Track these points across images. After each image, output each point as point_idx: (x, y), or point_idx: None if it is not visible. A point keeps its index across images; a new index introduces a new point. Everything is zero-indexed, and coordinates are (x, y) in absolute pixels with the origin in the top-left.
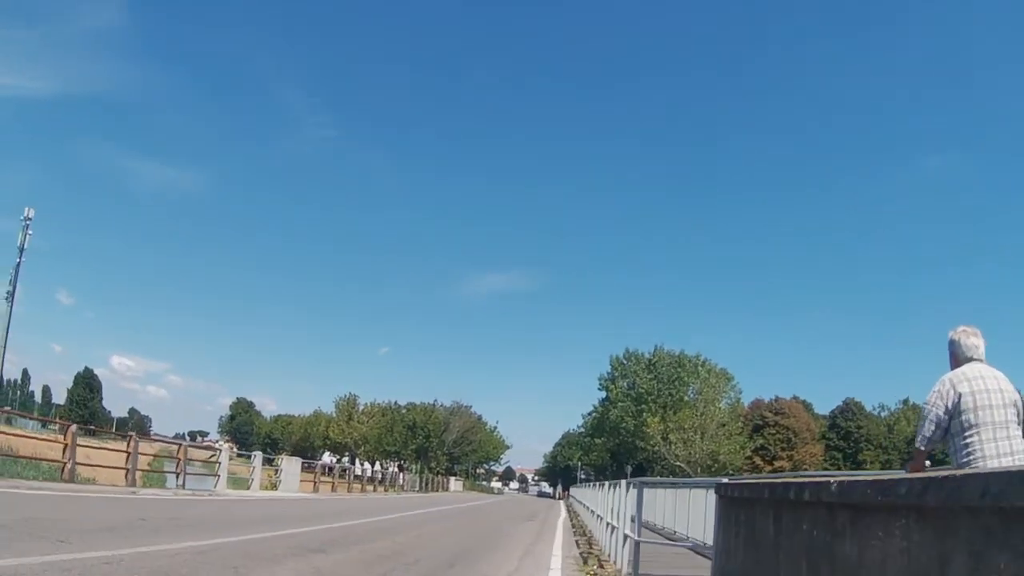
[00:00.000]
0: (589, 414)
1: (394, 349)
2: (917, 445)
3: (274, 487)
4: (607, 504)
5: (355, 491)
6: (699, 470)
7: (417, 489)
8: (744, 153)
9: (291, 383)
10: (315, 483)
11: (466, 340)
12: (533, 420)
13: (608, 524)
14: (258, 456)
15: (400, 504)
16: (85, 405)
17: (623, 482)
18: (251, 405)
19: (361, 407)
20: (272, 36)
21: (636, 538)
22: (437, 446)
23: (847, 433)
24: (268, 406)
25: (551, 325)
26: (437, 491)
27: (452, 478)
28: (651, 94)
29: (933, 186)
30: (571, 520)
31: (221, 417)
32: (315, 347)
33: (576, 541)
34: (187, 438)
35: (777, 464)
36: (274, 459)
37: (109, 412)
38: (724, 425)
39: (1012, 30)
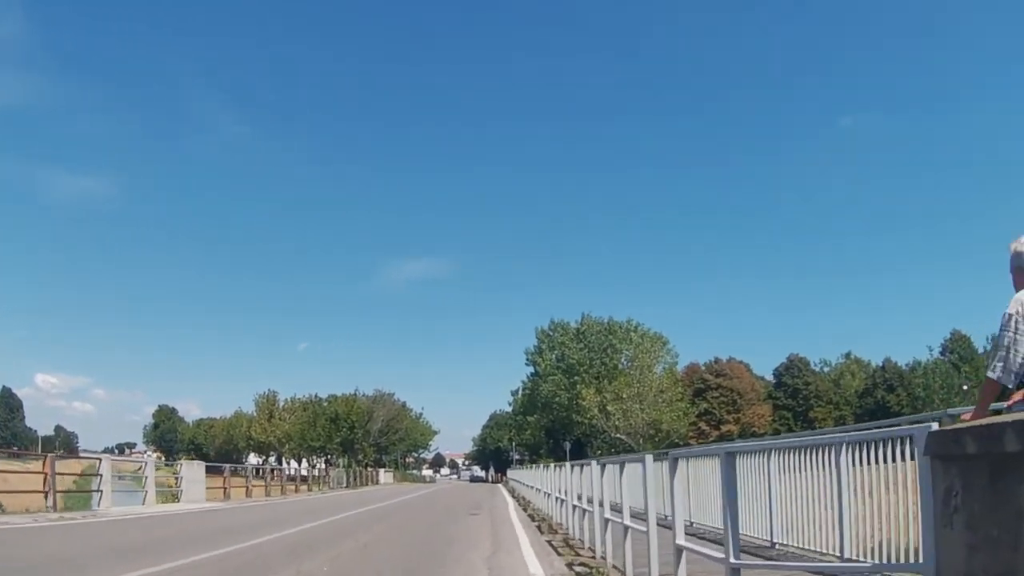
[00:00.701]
0: (517, 392)
1: (313, 344)
2: (993, 377)
3: (175, 498)
4: (571, 486)
5: (276, 493)
6: (641, 441)
7: (345, 485)
8: (657, 125)
9: (214, 385)
10: (224, 489)
11: (386, 330)
12: (460, 405)
13: (583, 510)
14: (186, 465)
15: (324, 506)
16: (6, 426)
17: (594, 462)
18: (174, 412)
19: (282, 403)
20: (178, 35)
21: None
22: (362, 437)
23: (795, 391)
24: (192, 411)
25: (472, 308)
26: (367, 485)
27: (381, 470)
28: (558, 71)
29: (850, 145)
30: (524, 509)
31: (145, 426)
32: (235, 348)
33: (550, 542)
34: (115, 451)
35: (724, 428)
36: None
37: (35, 431)
38: (664, 391)
39: None
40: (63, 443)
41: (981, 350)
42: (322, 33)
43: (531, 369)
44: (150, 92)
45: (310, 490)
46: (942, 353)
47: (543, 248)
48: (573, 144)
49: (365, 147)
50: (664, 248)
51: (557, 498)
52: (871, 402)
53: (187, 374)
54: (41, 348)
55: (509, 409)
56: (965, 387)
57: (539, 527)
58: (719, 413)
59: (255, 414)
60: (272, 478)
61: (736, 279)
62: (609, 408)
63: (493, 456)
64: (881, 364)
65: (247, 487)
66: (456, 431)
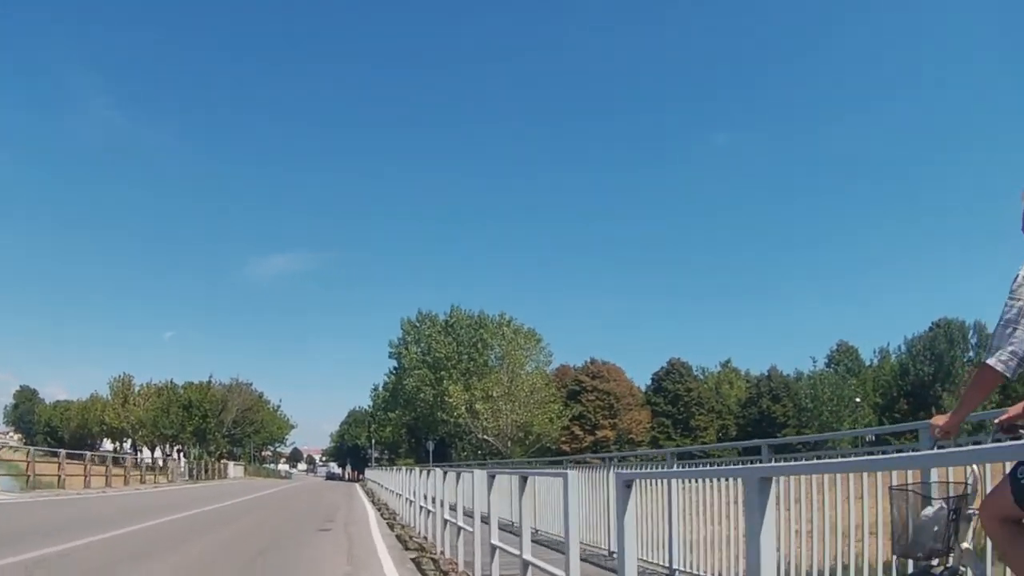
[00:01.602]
0: (377, 388)
1: (180, 332)
2: (992, 363)
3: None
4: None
5: (118, 484)
6: (509, 444)
7: (187, 477)
8: (541, 127)
9: (81, 371)
10: (59, 476)
11: (252, 322)
12: (320, 400)
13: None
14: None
15: (144, 507)
16: None
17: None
18: (35, 393)
19: (137, 389)
20: (51, 13)
21: None
22: (215, 427)
23: (675, 397)
24: (58, 395)
25: (338, 304)
26: (214, 478)
27: (231, 463)
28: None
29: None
30: (385, 520)
31: (5, 407)
32: (102, 333)
33: None
34: None
35: (600, 434)
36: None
37: None
38: (536, 391)
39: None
40: None
41: (868, 362)
42: (199, 23)
43: (395, 363)
44: (21, 69)
45: (142, 482)
46: (827, 364)
47: (413, 245)
48: (455, 141)
49: (236, 140)
50: (536, 248)
51: (423, 508)
52: (755, 412)
53: (55, 358)
54: None
55: (370, 406)
56: (858, 399)
57: (406, 545)
58: (594, 417)
59: (110, 398)
60: (114, 466)
61: (610, 284)
62: (477, 407)
63: (351, 453)
64: (766, 373)
65: (59, 474)
66: (315, 426)
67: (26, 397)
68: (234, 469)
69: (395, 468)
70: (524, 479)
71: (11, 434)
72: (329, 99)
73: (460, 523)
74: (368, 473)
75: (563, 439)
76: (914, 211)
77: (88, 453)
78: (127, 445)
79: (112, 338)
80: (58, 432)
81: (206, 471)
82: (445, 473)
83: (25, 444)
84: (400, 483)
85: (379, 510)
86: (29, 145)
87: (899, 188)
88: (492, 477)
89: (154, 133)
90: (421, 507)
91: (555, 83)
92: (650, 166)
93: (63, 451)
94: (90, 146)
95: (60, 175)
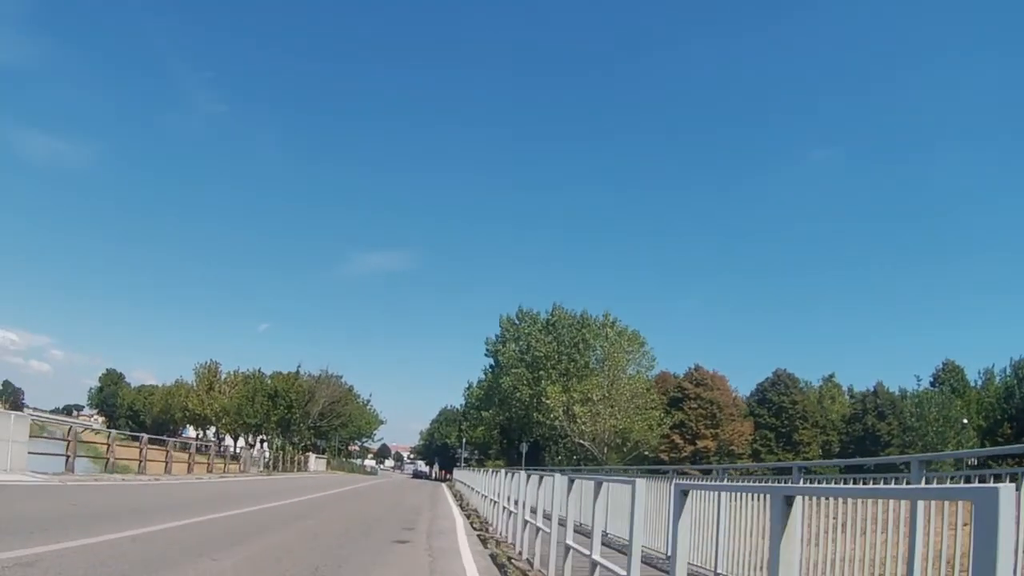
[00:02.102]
0: (471, 385)
1: (275, 326)
2: None
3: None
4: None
5: (179, 471)
6: (606, 450)
7: (261, 468)
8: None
9: (172, 359)
10: (108, 460)
11: (347, 318)
12: (412, 398)
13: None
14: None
15: (190, 500)
16: None
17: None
18: (121, 376)
19: (224, 376)
20: (164, 9)
21: None
22: (301, 418)
23: (780, 409)
24: (146, 380)
25: (434, 303)
26: (292, 471)
27: (312, 455)
28: (541, 85)
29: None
30: (476, 532)
31: (90, 389)
32: (197, 323)
33: None
34: (62, 412)
35: (700, 444)
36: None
37: None
38: (637, 396)
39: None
40: (8, 399)
41: (974, 382)
42: (308, 29)
43: (491, 361)
44: (132, 63)
45: (210, 471)
46: (932, 384)
47: (510, 244)
48: (562, 147)
49: (337, 141)
50: (640, 254)
51: (528, 522)
52: (859, 428)
53: (147, 345)
54: (4, 304)
55: (462, 405)
56: (965, 421)
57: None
58: (695, 426)
59: (195, 384)
60: (197, 454)
61: (714, 293)
62: (576, 409)
63: (439, 452)
64: (872, 389)
65: (141, 460)
66: (406, 424)
67: (112, 380)
68: (315, 462)
69: (485, 469)
70: (599, 485)
71: (95, 417)
72: (431, 102)
73: (539, 524)
74: (457, 473)
75: (662, 447)
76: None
77: (170, 439)
78: (211, 433)
79: (207, 328)
80: (140, 416)
81: (284, 463)
82: (541, 478)
83: (108, 427)
84: (493, 486)
85: (468, 517)
86: (135, 133)
87: (1012, 213)
88: (571, 481)
89: (258, 132)
90: (525, 521)
91: (665, 93)
92: (757, 178)
93: (145, 436)
94: (195, 142)
95: (164, 169)
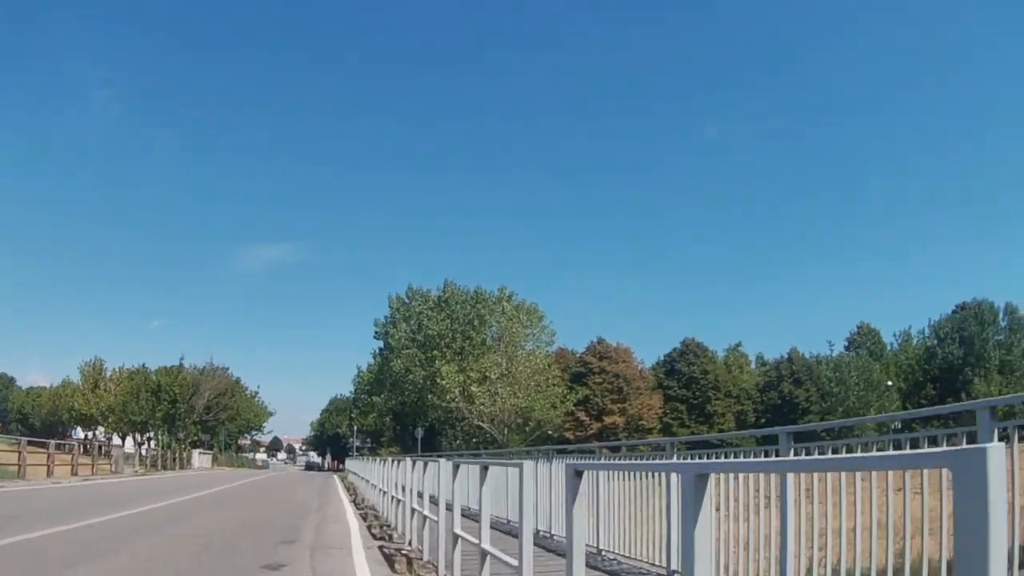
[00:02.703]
0: (360, 370)
1: (167, 323)
2: None
3: None
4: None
5: (58, 473)
6: (507, 431)
7: (137, 468)
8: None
9: (66, 361)
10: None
11: (238, 313)
12: (303, 390)
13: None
14: None
15: (32, 508)
16: None
17: None
18: (12, 381)
19: (109, 373)
20: (52, 5)
21: None
22: (186, 413)
23: (690, 379)
24: (40, 382)
25: (323, 295)
26: (176, 468)
27: (196, 451)
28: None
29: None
30: (375, 536)
31: None
32: (90, 323)
33: None
34: None
35: (608, 420)
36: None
37: None
38: (539, 373)
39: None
40: None
41: (889, 345)
42: (191, 19)
43: (381, 344)
44: (25, 60)
45: (74, 473)
46: (847, 348)
47: (401, 234)
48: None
49: (227, 135)
50: (532, 227)
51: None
52: (775, 396)
53: (40, 349)
54: None
55: (351, 392)
56: (889, 383)
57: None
58: (601, 402)
59: (80, 384)
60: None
61: (609, 267)
62: (473, 389)
63: (331, 442)
64: (786, 355)
65: (20, 464)
66: (297, 416)
67: (2, 384)
68: (200, 458)
69: (378, 458)
70: (485, 468)
71: None
72: (313, 94)
73: (427, 512)
74: (349, 463)
75: (567, 426)
76: (925, 200)
77: (51, 441)
78: (100, 433)
79: (101, 327)
80: (29, 419)
81: (164, 461)
82: (427, 464)
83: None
84: (387, 477)
85: (364, 517)
86: (25, 137)
87: (914, 179)
88: (456, 467)
89: (149, 128)
90: (413, 509)
91: (566, 75)
92: (663, 148)
93: (23, 439)
94: (85, 138)
95: (54, 166)
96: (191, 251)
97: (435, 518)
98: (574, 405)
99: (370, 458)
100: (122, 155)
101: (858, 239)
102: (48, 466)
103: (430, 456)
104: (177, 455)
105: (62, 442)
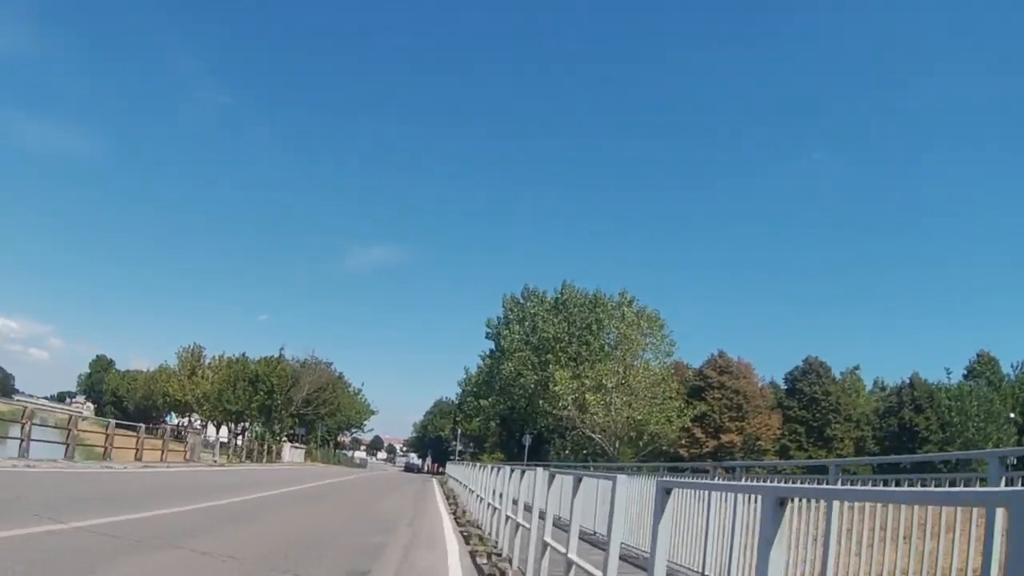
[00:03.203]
0: (468, 372)
1: (274, 317)
2: None
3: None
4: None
5: (147, 458)
6: (618, 443)
7: (216, 458)
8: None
9: (170, 348)
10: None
11: (346, 311)
12: (408, 391)
13: None
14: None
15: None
16: None
17: None
18: (111, 363)
19: (208, 360)
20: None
21: None
22: (283, 405)
23: (811, 400)
24: (141, 366)
25: (430, 297)
26: (262, 461)
27: (288, 445)
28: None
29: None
30: (470, 547)
31: (80, 375)
32: (198, 313)
33: None
34: (55, 399)
35: (724, 438)
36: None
37: None
38: (659, 383)
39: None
40: None
41: (1010, 375)
42: (312, 23)
43: (492, 345)
44: (136, 53)
45: (138, 459)
46: (966, 376)
47: (512, 232)
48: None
49: (336, 136)
50: (650, 243)
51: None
52: (894, 423)
53: (146, 336)
54: (7, 293)
55: (457, 395)
56: (1012, 415)
57: None
58: (719, 419)
59: (177, 369)
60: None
61: (735, 277)
62: (587, 397)
63: (433, 445)
64: (907, 381)
65: (106, 447)
66: (401, 416)
67: (101, 367)
68: (291, 452)
69: (482, 464)
70: (578, 480)
71: (86, 404)
72: (425, 99)
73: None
74: (450, 468)
75: (682, 442)
76: None
77: (141, 426)
78: (193, 420)
79: (208, 317)
80: (123, 402)
81: (252, 452)
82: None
83: (97, 415)
84: (494, 488)
85: (465, 535)
86: (138, 124)
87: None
88: (552, 477)
89: (258, 125)
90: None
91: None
92: (774, 172)
93: (112, 421)
94: (196, 133)
95: (166, 160)
96: (300, 248)
97: (527, 525)
98: (691, 421)
99: (472, 464)
100: (232, 151)
101: (980, 266)
102: (137, 450)
103: (536, 465)
104: (268, 447)
105: (152, 426)
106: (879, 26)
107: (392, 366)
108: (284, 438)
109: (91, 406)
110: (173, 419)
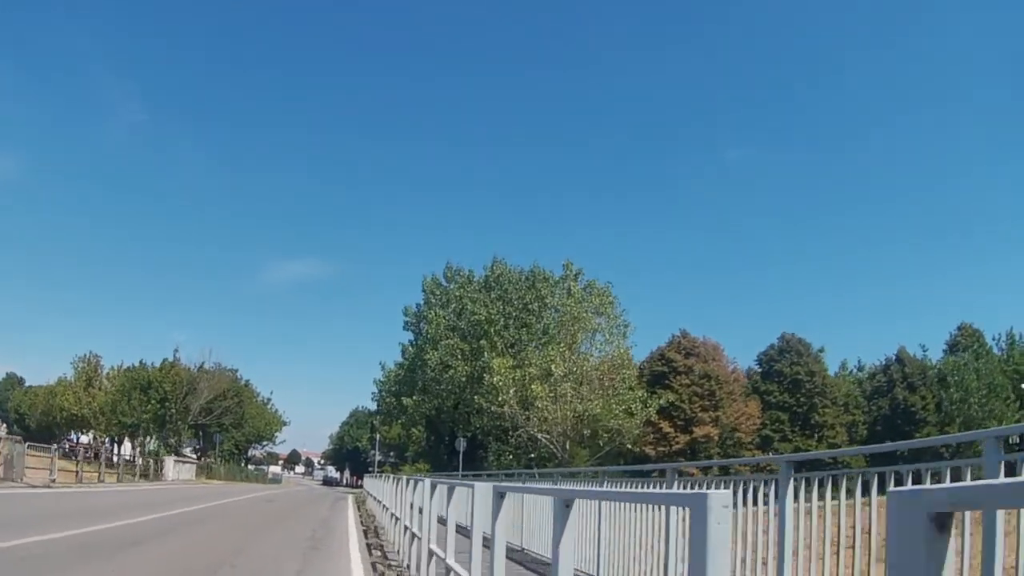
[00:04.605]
0: (385, 367)
1: (191, 334)
2: None
3: None
4: None
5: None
6: (568, 443)
7: (52, 478)
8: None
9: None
10: None
11: (262, 326)
12: (326, 403)
13: None
14: None
15: None
16: None
17: None
18: (21, 381)
19: (107, 371)
20: (83, 14)
21: None
22: (179, 414)
23: (793, 382)
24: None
25: (345, 308)
26: (133, 481)
27: (171, 459)
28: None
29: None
30: None
31: None
32: (111, 333)
33: None
34: None
35: (699, 431)
36: None
37: None
38: (619, 368)
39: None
40: None
41: (996, 349)
42: (221, 32)
43: (411, 336)
44: (55, 71)
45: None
46: (947, 352)
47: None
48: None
49: (248, 149)
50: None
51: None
52: (884, 404)
53: (64, 355)
54: None
55: (375, 394)
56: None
57: None
58: (690, 409)
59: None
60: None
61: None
62: (534, 388)
63: (351, 456)
64: (895, 356)
65: None
66: (317, 430)
67: (13, 385)
68: (176, 468)
69: (403, 478)
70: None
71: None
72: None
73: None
74: (368, 482)
75: (649, 439)
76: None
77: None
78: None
79: (122, 337)
80: (25, 419)
81: (135, 470)
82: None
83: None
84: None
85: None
86: (56, 149)
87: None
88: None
89: (177, 141)
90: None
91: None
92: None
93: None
94: (115, 149)
95: (83, 176)
96: (216, 264)
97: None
98: (656, 413)
99: (389, 477)
100: (148, 166)
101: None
102: None
103: (472, 475)
104: (146, 463)
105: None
106: None
107: (310, 380)
108: (174, 452)
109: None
110: (82, 437)
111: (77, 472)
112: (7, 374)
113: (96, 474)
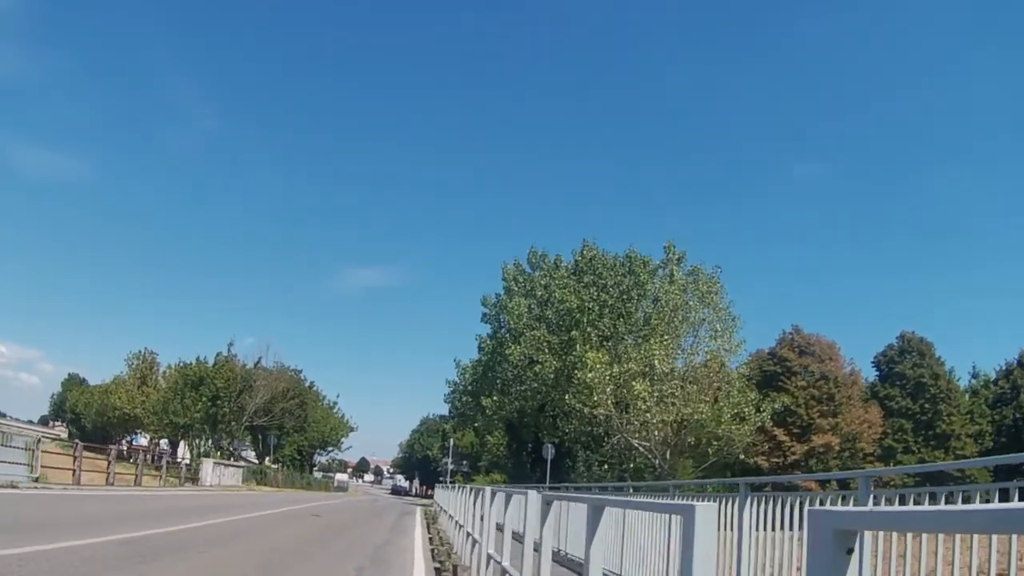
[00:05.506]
0: (460, 365)
1: (260, 339)
2: None
3: None
4: None
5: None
6: (668, 453)
7: (73, 483)
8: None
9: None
10: None
11: (336, 335)
12: (398, 411)
13: None
14: None
15: None
16: None
17: None
18: (82, 381)
19: (163, 369)
20: (157, 22)
21: None
22: (232, 415)
23: (917, 386)
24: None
25: (421, 317)
26: (187, 483)
27: (209, 462)
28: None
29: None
30: None
31: (53, 394)
32: (182, 337)
33: None
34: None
35: (818, 440)
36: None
37: None
38: (725, 367)
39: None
40: None
41: None
42: (303, 45)
43: (489, 330)
44: (127, 77)
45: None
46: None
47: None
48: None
49: (327, 158)
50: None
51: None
52: (1009, 414)
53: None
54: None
55: (447, 395)
56: None
57: None
58: (807, 414)
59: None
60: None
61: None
62: (636, 387)
63: (420, 465)
64: (1015, 360)
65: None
66: (389, 437)
67: (73, 386)
68: (215, 473)
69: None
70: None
71: (63, 426)
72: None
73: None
74: (439, 494)
75: (760, 449)
76: None
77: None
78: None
79: (194, 342)
80: (80, 420)
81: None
82: None
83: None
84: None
85: None
86: (130, 148)
87: None
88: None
89: (248, 147)
90: None
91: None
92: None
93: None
94: (187, 156)
95: (156, 184)
96: (290, 270)
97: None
98: (769, 419)
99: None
100: (223, 173)
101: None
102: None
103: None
104: (188, 466)
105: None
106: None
107: (381, 387)
108: (229, 455)
109: (63, 427)
110: (140, 439)
111: (107, 474)
112: (69, 374)
113: (134, 476)
